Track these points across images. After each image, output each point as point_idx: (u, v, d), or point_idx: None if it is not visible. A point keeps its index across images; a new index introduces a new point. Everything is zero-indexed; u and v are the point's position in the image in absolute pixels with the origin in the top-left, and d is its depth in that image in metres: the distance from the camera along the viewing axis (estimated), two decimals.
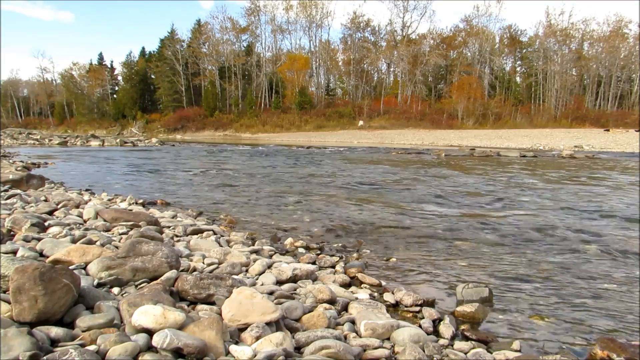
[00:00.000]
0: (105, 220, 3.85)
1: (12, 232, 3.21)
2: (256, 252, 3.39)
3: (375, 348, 1.87)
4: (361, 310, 2.26)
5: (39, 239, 2.93)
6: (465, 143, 29.00)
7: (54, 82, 71.29)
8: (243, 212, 5.42)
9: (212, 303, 2.12)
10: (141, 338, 1.56)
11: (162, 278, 2.24)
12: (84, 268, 2.41)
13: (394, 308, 2.54)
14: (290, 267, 2.88)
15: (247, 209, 5.65)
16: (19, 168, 8.84)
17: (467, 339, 2.14)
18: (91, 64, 64.81)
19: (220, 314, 1.93)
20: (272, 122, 48.48)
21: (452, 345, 2.05)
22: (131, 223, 3.72)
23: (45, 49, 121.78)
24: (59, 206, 4.41)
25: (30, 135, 30.63)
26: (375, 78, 59.78)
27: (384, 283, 2.92)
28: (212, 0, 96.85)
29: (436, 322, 2.29)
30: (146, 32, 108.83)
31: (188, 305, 2.09)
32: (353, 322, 2.12)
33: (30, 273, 1.71)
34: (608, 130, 35.84)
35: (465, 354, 1.95)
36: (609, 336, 2.16)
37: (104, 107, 61.50)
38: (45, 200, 4.95)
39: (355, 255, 3.60)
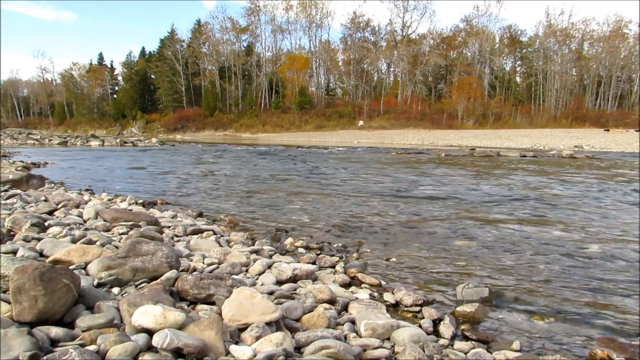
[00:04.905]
0: (105, 220, 3.85)
1: (12, 232, 3.21)
2: (256, 252, 3.39)
3: (375, 348, 1.88)
4: (361, 310, 2.26)
5: (39, 239, 2.93)
6: (465, 143, 29.00)
7: (54, 82, 71.36)
8: (243, 212, 5.42)
9: (212, 303, 2.12)
10: (141, 338, 1.57)
11: (162, 278, 2.24)
12: (84, 268, 2.41)
13: (394, 308, 2.54)
14: (290, 267, 2.88)
15: (247, 209, 5.65)
16: (19, 168, 8.85)
17: (467, 339, 2.14)
18: (91, 64, 64.83)
19: (220, 314, 1.93)
20: (272, 122, 48.47)
21: (452, 345, 2.05)
22: (131, 223, 3.72)
23: (45, 49, 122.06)
24: (59, 206, 4.41)
25: (30, 135, 30.63)
26: (375, 78, 59.78)
27: (384, 283, 2.93)
28: (214, 0, 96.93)
29: (436, 322, 2.29)
30: (146, 32, 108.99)
31: (188, 305, 2.09)
32: (353, 322, 2.12)
33: (30, 273, 1.71)
34: (608, 130, 35.84)
35: (465, 354, 1.95)
36: (609, 336, 2.16)
37: (104, 107, 61.46)
38: (45, 200, 4.95)
39: (355, 255, 3.60)
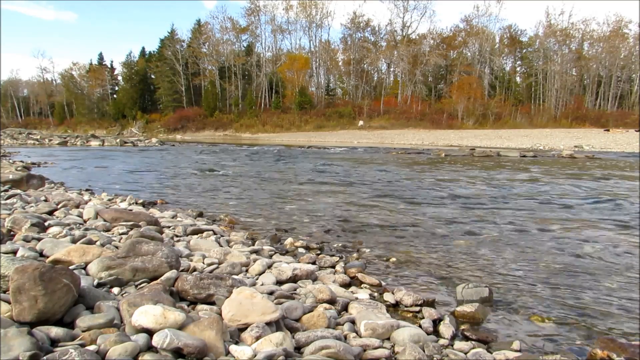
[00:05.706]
0: (105, 220, 3.85)
1: (12, 232, 3.21)
2: (256, 252, 3.39)
3: (375, 348, 1.87)
4: (361, 310, 2.26)
5: (39, 239, 2.93)
6: (465, 143, 28.99)
7: (54, 82, 71.35)
8: (243, 212, 5.42)
9: (212, 303, 2.12)
10: (141, 338, 1.56)
11: (162, 278, 2.24)
12: (84, 268, 2.41)
13: (394, 308, 2.54)
14: (290, 267, 2.88)
15: (247, 209, 5.65)
16: (19, 168, 8.84)
17: (467, 339, 2.14)
18: (91, 64, 64.84)
19: (220, 314, 1.93)
20: (272, 122, 48.47)
21: (452, 345, 2.05)
22: (131, 223, 3.72)
23: (45, 49, 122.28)
24: (59, 206, 4.41)
25: (30, 135, 30.61)
26: (375, 78, 59.77)
27: (384, 283, 2.92)
28: (214, 0, 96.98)
29: (436, 322, 2.29)
30: (146, 32, 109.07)
31: (188, 305, 2.09)
32: (353, 322, 2.12)
33: (30, 273, 1.71)
34: (608, 130, 35.83)
35: (465, 354, 1.95)
36: (609, 336, 2.16)
37: (104, 107, 61.46)
38: (45, 200, 4.95)
39: (355, 255, 3.60)
